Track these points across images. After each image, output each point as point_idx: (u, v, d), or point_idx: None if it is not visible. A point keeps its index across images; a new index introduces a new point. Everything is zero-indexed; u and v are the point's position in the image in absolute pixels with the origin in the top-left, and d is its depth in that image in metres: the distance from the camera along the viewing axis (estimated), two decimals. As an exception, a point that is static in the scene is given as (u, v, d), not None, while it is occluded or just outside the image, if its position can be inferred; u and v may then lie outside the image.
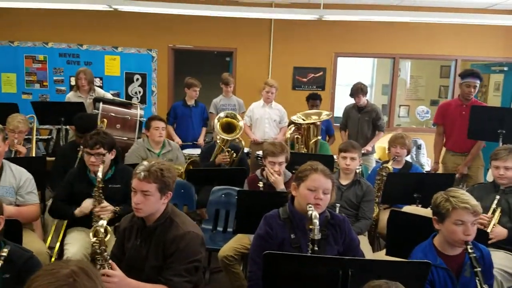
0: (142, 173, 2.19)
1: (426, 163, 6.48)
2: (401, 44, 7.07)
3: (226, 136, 4.47)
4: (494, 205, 3.05)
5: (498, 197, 3.06)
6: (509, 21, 5.93)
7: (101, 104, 4.79)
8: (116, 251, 2.40)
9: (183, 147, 5.37)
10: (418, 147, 6.65)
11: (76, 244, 2.97)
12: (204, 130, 5.80)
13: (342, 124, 5.59)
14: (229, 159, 4.46)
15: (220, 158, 4.45)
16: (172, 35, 7.06)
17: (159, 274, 2.21)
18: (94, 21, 6.87)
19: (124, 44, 7.05)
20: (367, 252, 3.15)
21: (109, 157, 3.11)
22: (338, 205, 3.30)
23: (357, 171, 4.94)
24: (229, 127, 4.63)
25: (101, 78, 7.05)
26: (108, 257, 2.16)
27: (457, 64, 7.13)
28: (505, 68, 7.31)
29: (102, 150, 3.02)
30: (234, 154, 4.54)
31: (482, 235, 2.41)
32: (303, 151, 4.56)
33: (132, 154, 4.27)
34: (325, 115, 4.75)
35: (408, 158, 6.58)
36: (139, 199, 2.20)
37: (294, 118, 4.75)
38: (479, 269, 2.01)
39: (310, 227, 2.08)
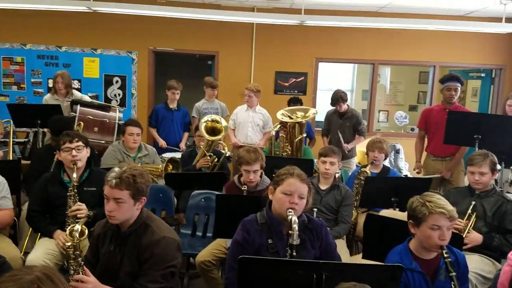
0: (114, 180, 2.14)
1: (404, 167, 6.56)
2: (381, 50, 7.16)
3: (210, 138, 4.44)
4: (469, 211, 3.10)
5: (473, 202, 3.11)
6: (485, 28, 6.06)
7: (78, 107, 4.72)
8: (90, 257, 2.35)
9: (163, 150, 5.33)
10: (397, 152, 6.73)
11: (39, 250, 2.90)
12: (186, 134, 5.76)
13: (324, 130, 5.66)
14: (210, 163, 4.43)
15: (201, 162, 4.43)
16: (152, 37, 7.00)
17: (134, 280, 2.17)
18: (73, 23, 6.78)
19: (104, 46, 6.96)
20: (345, 255, 3.16)
21: (86, 154, 3.08)
22: (315, 210, 3.32)
23: (337, 175, 5.00)
24: (213, 131, 4.60)
25: (79, 80, 6.95)
26: (82, 262, 2.12)
27: (436, 70, 7.25)
28: (482, 74, 7.49)
29: (81, 143, 3.01)
30: (216, 159, 4.51)
31: (457, 240, 2.44)
32: (287, 149, 4.54)
33: (109, 157, 4.20)
34: (311, 113, 4.75)
35: (387, 162, 6.69)
36: (112, 207, 2.15)
37: (279, 115, 4.72)
38: (454, 273, 2.02)
39: (290, 232, 2.07)
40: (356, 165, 5.49)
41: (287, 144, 4.55)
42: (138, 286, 2.15)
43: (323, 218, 3.43)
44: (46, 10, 6.10)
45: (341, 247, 3.32)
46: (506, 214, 3.07)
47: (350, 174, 4.74)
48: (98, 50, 6.97)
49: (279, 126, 4.67)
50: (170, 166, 4.29)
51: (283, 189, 2.24)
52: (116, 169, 2.20)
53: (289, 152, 4.56)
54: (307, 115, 4.64)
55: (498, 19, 5.94)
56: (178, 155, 4.98)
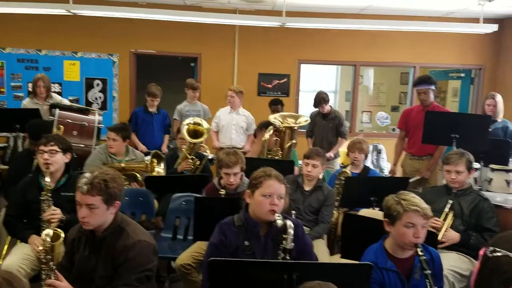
0: (85, 187, 2.11)
1: (386, 167, 6.61)
2: (362, 51, 7.21)
3: (192, 140, 4.42)
4: (446, 209, 3.13)
5: (451, 201, 3.15)
6: (464, 29, 6.15)
7: (57, 111, 4.66)
8: (66, 262, 2.33)
9: (144, 154, 5.28)
10: (379, 152, 6.79)
11: (15, 256, 2.86)
12: (166, 137, 5.73)
13: (308, 131, 5.70)
14: (192, 166, 4.41)
15: (183, 165, 4.41)
16: (134, 39, 6.95)
17: (109, 285, 2.16)
18: (53, 26, 6.69)
19: (84, 49, 6.89)
20: (324, 255, 3.18)
21: (63, 159, 3.04)
22: (293, 212, 3.33)
23: (320, 176, 5.02)
24: (195, 134, 4.58)
25: (60, 84, 6.87)
26: (54, 267, 2.09)
27: (416, 71, 7.33)
28: (462, 75, 7.59)
29: (56, 148, 2.97)
30: (198, 161, 4.49)
31: (432, 238, 2.46)
32: (279, 153, 4.54)
33: (95, 160, 4.15)
34: (303, 120, 4.77)
35: (369, 163, 6.76)
36: (85, 213, 2.12)
37: (272, 119, 4.71)
38: (429, 271, 2.03)
39: (284, 236, 2.08)
40: (340, 166, 5.53)
41: (278, 149, 4.56)
42: (113, 289, 2.13)
43: (304, 219, 3.46)
44: (25, 13, 6.03)
45: (321, 247, 3.34)
46: (482, 212, 3.12)
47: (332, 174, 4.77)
48: (79, 53, 6.90)
49: (272, 130, 4.67)
50: (155, 161, 4.27)
51: (262, 192, 2.24)
52: (87, 174, 2.17)
53: (281, 156, 4.56)
54: (297, 121, 4.65)
55: (476, 20, 6.04)
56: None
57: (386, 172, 6.41)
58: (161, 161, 4.28)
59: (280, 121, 4.63)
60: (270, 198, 2.21)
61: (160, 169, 4.22)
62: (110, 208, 2.18)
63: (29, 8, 5.32)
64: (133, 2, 6.55)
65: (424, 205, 2.15)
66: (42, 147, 2.96)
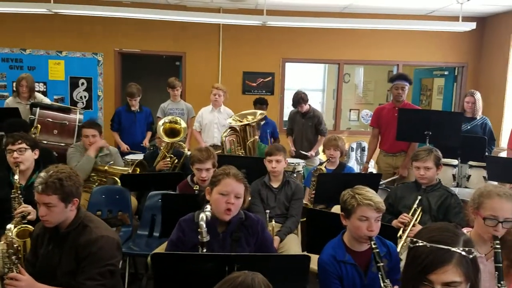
0: (40, 186, 2.14)
1: (370, 165, 6.67)
2: (346, 50, 7.27)
3: (169, 140, 4.46)
4: (415, 205, 3.19)
5: (419, 197, 3.21)
6: (443, 27, 6.22)
7: (38, 110, 4.69)
8: (30, 257, 2.37)
9: (126, 153, 5.32)
10: (363, 149, 6.85)
11: None
12: (149, 134, 5.76)
13: (288, 129, 5.79)
14: (170, 165, 4.45)
15: (161, 164, 4.45)
16: (118, 38, 6.99)
17: (72, 279, 2.19)
18: (37, 25, 6.72)
19: (69, 48, 6.92)
20: (297, 251, 3.23)
21: (32, 155, 3.08)
22: (268, 211, 3.40)
23: (300, 173, 5.08)
24: (172, 132, 4.62)
25: (45, 83, 6.90)
26: (17, 261, 2.13)
27: (399, 69, 7.40)
28: (446, 72, 7.67)
29: (24, 145, 3.01)
30: (176, 160, 4.53)
31: (391, 232, 2.52)
32: (240, 153, 4.59)
33: (72, 158, 4.19)
34: (259, 114, 4.81)
35: (353, 160, 6.82)
36: (44, 211, 2.16)
37: (229, 121, 4.80)
38: (381, 264, 2.07)
39: (198, 230, 2.08)
40: (320, 163, 5.59)
41: (239, 147, 4.60)
42: (76, 284, 2.17)
43: (278, 217, 3.50)
44: (9, 13, 6.05)
45: (295, 243, 3.39)
46: (450, 208, 3.18)
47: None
48: (63, 52, 6.93)
49: (228, 131, 4.73)
50: (138, 170, 4.30)
51: (219, 190, 2.28)
52: (43, 174, 2.20)
53: (242, 154, 4.59)
54: (255, 118, 4.69)
55: (456, 18, 6.11)
56: (140, 156, 4.97)
57: (370, 169, 6.48)
58: (144, 171, 4.32)
59: (238, 120, 4.68)
60: (226, 197, 2.25)
61: None
62: (69, 205, 2.21)
63: (9, 7, 5.34)
64: (117, 1, 6.58)
65: (377, 199, 2.20)
66: (10, 146, 3.01)
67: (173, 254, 1.85)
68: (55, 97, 6.69)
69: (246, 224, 2.35)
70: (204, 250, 1.94)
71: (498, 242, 2.03)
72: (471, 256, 1.32)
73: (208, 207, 2.18)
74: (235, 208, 2.26)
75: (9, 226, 2.18)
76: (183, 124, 4.65)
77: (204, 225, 2.05)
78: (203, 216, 2.09)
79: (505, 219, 2.09)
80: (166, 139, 4.41)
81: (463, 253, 1.31)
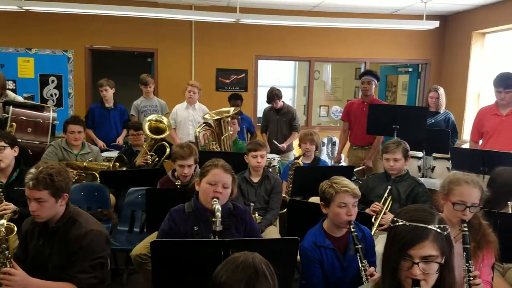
0: (31, 182, 2.19)
1: (341, 159, 6.89)
2: (316, 47, 7.45)
3: (155, 136, 4.51)
4: (385, 194, 3.38)
5: (389, 187, 3.40)
6: (408, 26, 6.50)
7: (11, 108, 4.61)
8: (20, 253, 2.41)
9: (101, 150, 5.30)
10: (333, 144, 7.07)
11: None
12: (124, 131, 5.75)
13: (263, 127, 5.91)
14: (149, 162, 4.49)
15: (141, 160, 4.49)
16: (89, 35, 6.91)
17: (63, 273, 2.24)
18: (6, 22, 6.58)
19: (38, 45, 6.80)
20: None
21: (12, 153, 3.10)
22: (252, 204, 3.51)
23: (276, 168, 5.22)
24: (157, 131, 4.66)
25: (14, 81, 6.75)
26: (10, 255, 2.17)
27: (366, 66, 7.64)
28: (410, 69, 7.98)
29: (3, 143, 3.02)
30: (157, 158, 4.57)
31: (366, 219, 2.69)
32: (215, 147, 4.68)
33: (49, 155, 4.18)
34: (232, 110, 4.93)
35: (324, 154, 7.02)
36: (34, 207, 2.21)
37: (206, 116, 4.89)
38: (359, 246, 2.25)
39: (213, 219, 2.20)
40: (295, 158, 5.75)
41: (214, 142, 4.70)
42: (67, 277, 2.23)
43: (258, 210, 3.60)
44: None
45: (275, 234, 3.53)
46: (418, 196, 3.39)
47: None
48: (33, 49, 6.80)
49: (203, 125, 4.82)
50: (118, 164, 4.32)
51: (208, 180, 2.39)
52: (33, 170, 2.25)
53: (217, 149, 4.69)
54: (228, 114, 4.79)
55: (421, 17, 6.39)
56: (115, 153, 4.98)
57: (342, 163, 6.70)
58: (124, 166, 4.35)
59: (213, 115, 4.78)
60: (214, 186, 2.36)
61: None
62: (59, 200, 2.26)
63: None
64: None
65: (352, 185, 2.37)
66: None
67: (172, 241, 1.95)
68: (25, 95, 6.55)
69: (235, 213, 2.47)
70: (217, 238, 2.04)
71: (466, 225, 2.22)
72: (445, 232, 1.48)
73: (216, 200, 2.27)
74: (222, 197, 2.37)
75: (1, 221, 2.20)
76: (166, 122, 4.71)
77: (220, 215, 2.15)
78: (219, 207, 2.20)
79: (472, 204, 2.27)
80: (153, 136, 4.46)
81: (439, 230, 1.46)
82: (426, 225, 1.46)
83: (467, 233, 2.18)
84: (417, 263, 1.42)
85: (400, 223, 1.48)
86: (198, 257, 1.72)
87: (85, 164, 4.15)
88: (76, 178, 4.07)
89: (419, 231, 1.44)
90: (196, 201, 2.47)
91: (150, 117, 4.71)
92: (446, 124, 5.27)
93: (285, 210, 3.43)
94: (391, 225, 1.51)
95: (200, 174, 2.48)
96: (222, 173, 2.40)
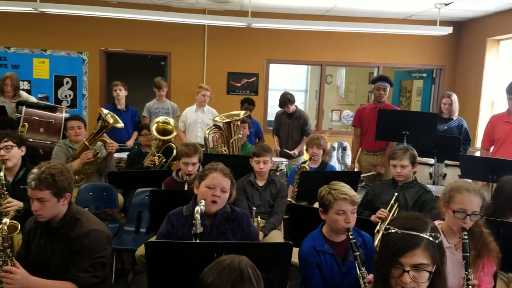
0: (33, 182, 2.22)
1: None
2: (328, 51, 7.44)
3: (162, 137, 4.55)
4: (392, 201, 3.35)
5: (396, 193, 3.36)
6: (421, 31, 6.44)
7: (24, 108, 4.73)
8: (23, 251, 2.44)
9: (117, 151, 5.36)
10: (344, 149, 7.02)
11: None
12: (135, 134, 5.81)
13: (274, 129, 5.93)
14: (157, 163, 4.53)
15: (148, 161, 4.53)
16: (103, 38, 7.03)
17: (65, 272, 2.27)
18: (22, 23, 6.73)
19: (54, 46, 6.94)
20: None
21: (19, 152, 3.16)
22: (254, 208, 3.51)
23: (283, 171, 5.22)
24: (164, 133, 4.70)
25: (29, 82, 6.90)
26: (11, 254, 2.20)
27: (379, 71, 7.59)
28: (424, 75, 7.90)
29: (10, 143, 3.09)
30: (164, 159, 4.61)
31: (368, 225, 2.66)
32: (224, 150, 4.70)
33: (59, 155, 4.24)
34: (242, 113, 4.95)
35: (334, 159, 6.99)
36: (37, 206, 2.24)
37: (217, 119, 4.92)
38: (358, 253, 2.22)
39: (193, 221, 2.20)
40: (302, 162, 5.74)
41: (222, 144, 4.72)
42: (69, 276, 2.25)
43: (262, 215, 3.61)
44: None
45: (279, 238, 3.52)
46: (425, 203, 3.34)
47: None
48: (48, 51, 6.94)
49: (213, 128, 4.84)
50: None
51: (206, 183, 2.41)
52: (35, 170, 2.28)
53: (226, 152, 4.71)
54: (239, 118, 4.81)
55: (434, 22, 6.33)
56: (125, 154, 5.04)
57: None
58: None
59: (223, 118, 4.80)
60: (213, 190, 2.37)
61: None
62: (61, 200, 2.29)
63: (-5, 6, 5.36)
64: (103, 1, 6.63)
65: (351, 193, 2.34)
66: None
67: (166, 243, 1.97)
68: (40, 95, 6.70)
69: (232, 218, 2.47)
70: (197, 241, 2.05)
71: (466, 233, 2.19)
72: (437, 241, 1.46)
73: (203, 201, 2.29)
74: (220, 201, 2.38)
75: (4, 220, 2.24)
76: (174, 124, 4.75)
77: (199, 217, 2.16)
78: (198, 209, 2.21)
79: (473, 212, 2.24)
80: (160, 137, 4.50)
81: (430, 238, 1.45)
82: (419, 233, 1.45)
83: (467, 241, 2.15)
84: (408, 271, 1.41)
85: (393, 231, 1.47)
86: (191, 259, 1.73)
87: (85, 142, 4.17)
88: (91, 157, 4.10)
89: (411, 239, 1.44)
90: (194, 205, 2.47)
91: (157, 119, 4.75)
92: (459, 131, 5.20)
93: (289, 214, 3.42)
94: (384, 232, 1.50)
95: (199, 178, 2.49)
96: (220, 177, 2.41)
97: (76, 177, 4.07)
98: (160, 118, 4.84)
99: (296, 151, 5.68)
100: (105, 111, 4.44)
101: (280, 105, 5.77)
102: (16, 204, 2.82)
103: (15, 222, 2.52)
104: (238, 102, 6.32)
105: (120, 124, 4.51)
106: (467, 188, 2.28)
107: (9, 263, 2.18)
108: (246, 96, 6.74)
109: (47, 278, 2.25)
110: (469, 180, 3.96)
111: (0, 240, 2.20)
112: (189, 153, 3.41)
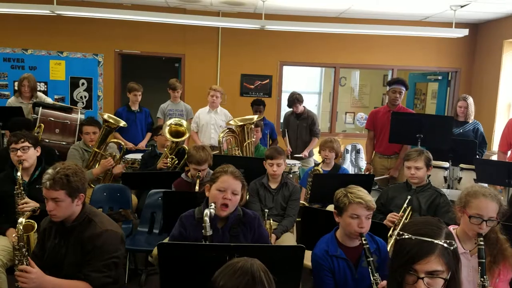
0: (48, 182, 2.26)
1: (364, 166, 6.81)
2: (342, 54, 7.40)
3: (174, 139, 4.58)
4: (405, 205, 3.31)
5: (409, 197, 3.32)
6: (437, 33, 6.37)
7: (40, 109, 4.80)
8: (38, 251, 2.47)
9: (127, 151, 5.41)
10: (357, 152, 6.98)
11: None
12: (148, 135, 5.86)
13: (283, 131, 5.91)
14: (169, 165, 4.56)
15: (161, 164, 4.56)
16: (118, 40, 7.10)
17: (79, 271, 2.30)
18: (39, 26, 6.83)
19: (70, 48, 7.03)
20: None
21: (35, 153, 3.22)
22: (267, 211, 3.50)
23: (296, 174, 5.20)
24: (177, 134, 4.73)
25: (46, 83, 7.00)
26: (27, 253, 2.23)
27: (394, 73, 7.53)
28: (440, 77, 7.81)
29: (27, 144, 3.15)
30: (176, 160, 4.64)
31: (381, 229, 2.64)
32: (237, 153, 4.71)
33: (73, 157, 4.30)
34: (256, 117, 4.96)
35: (348, 162, 6.95)
36: (51, 206, 2.28)
37: (231, 123, 4.93)
38: (371, 258, 2.19)
39: (203, 224, 2.19)
40: (316, 164, 5.72)
41: (236, 148, 4.72)
42: (82, 275, 2.28)
43: (275, 217, 3.60)
44: (12, 13, 6.15)
45: (291, 241, 3.51)
46: (439, 207, 3.30)
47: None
48: (64, 52, 7.04)
49: (226, 131, 4.86)
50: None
51: (217, 186, 2.40)
52: (50, 170, 2.31)
53: (239, 154, 4.70)
54: (252, 122, 4.81)
55: (450, 24, 6.26)
56: (139, 155, 5.07)
57: (364, 171, 6.63)
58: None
59: (237, 122, 4.81)
60: (223, 193, 2.36)
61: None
62: (75, 200, 2.32)
63: (13, 9, 5.44)
64: (117, 4, 6.70)
65: (367, 197, 2.32)
66: (13, 145, 3.15)
67: (178, 244, 1.97)
68: (56, 96, 6.80)
69: (244, 220, 2.46)
70: (207, 243, 2.05)
71: (482, 239, 2.15)
72: (452, 247, 1.44)
73: (213, 204, 2.29)
74: (232, 204, 2.37)
75: (20, 220, 2.28)
76: (186, 126, 4.77)
77: (208, 220, 2.16)
78: (207, 212, 2.21)
79: (489, 218, 2.20)
80: (172, 139, 4.52)
81: (445, 245, 1.42)
82: (433, 240, 1.42)
83: (483, 247, 2.12)
84: (422, 278, 1.39)
85: (406, 237, 1.45)
86: (203, 261, 1.73)
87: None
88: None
89: (425, 245, 1.41)
90: (205, 207, 2.47)
91: (170, 121, 4.78)
92: (475, 134, 5.13)
93: (302, 217, 3.41)
94: (397, 238, 1.48)
95: (210, 180, 2.49)
96: (231, 180, 2.40)
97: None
98: (173, 120, 4.86)
99: (306, 153, 5.65)
100: (105, 115, 4.47)
101: (289, 105, 5.74)
102: (33, 204, 2.86)
103: (32, 221, 2.56)
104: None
105: (122, 123, 4.55)
106: (483, 193, 2.24)
107: (24, 262, 2.21)
108: (259, 98, 6.73)
109: (61, 277, 2.28)
110: (486, 185, 3.96)
111: (16, 239, 2.23)
112: (200, 162, 3.46)
